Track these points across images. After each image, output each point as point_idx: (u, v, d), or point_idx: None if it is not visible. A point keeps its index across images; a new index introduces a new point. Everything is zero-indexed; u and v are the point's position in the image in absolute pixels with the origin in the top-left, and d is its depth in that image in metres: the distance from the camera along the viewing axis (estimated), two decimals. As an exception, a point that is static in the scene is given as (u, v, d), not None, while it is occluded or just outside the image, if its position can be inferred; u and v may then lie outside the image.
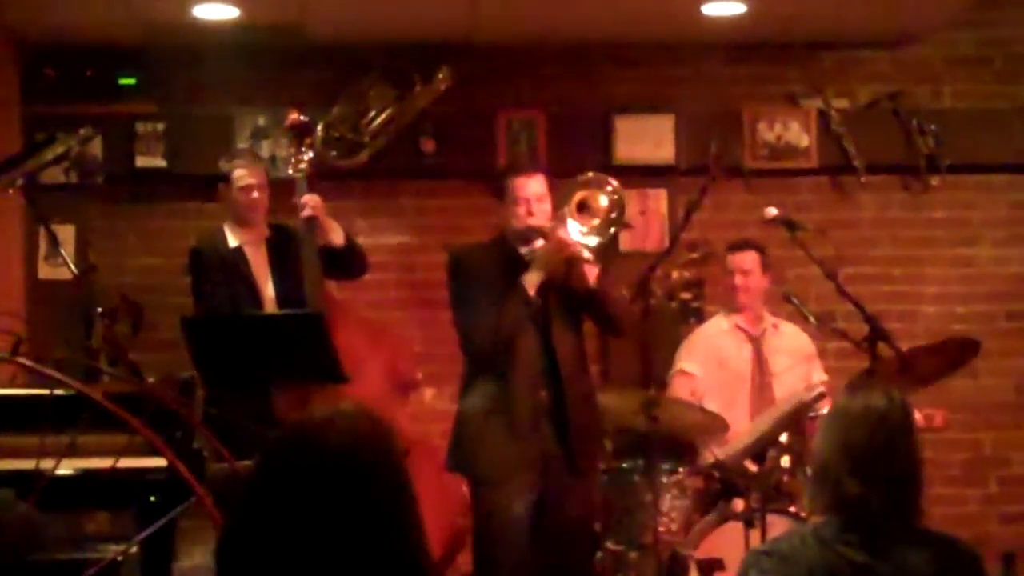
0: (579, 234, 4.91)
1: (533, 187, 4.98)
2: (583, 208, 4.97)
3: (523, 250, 5.01)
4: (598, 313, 5.07)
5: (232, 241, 5.64)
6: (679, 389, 5.99)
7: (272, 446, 2.20)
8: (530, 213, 4.95)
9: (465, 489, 5.30)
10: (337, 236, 5.56)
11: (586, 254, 4.87)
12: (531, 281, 4.90)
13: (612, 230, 5.01)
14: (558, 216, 4.94)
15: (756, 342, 6.08)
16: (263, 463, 2.18)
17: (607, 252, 4.95)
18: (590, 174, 5.12)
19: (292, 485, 2.12)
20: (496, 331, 4.89)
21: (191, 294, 5.68)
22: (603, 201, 4.99)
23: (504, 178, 5.09)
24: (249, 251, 5.64)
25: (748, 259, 6.08)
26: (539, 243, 4.96)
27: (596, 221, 4.96)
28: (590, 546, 5.31)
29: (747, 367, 6.05)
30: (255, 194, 5.61)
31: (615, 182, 5.05)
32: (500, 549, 4.93)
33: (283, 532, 2.10)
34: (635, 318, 5.48)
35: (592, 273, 4.92)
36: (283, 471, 2.14)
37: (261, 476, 2.17)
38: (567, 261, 4.92)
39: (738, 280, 6.08)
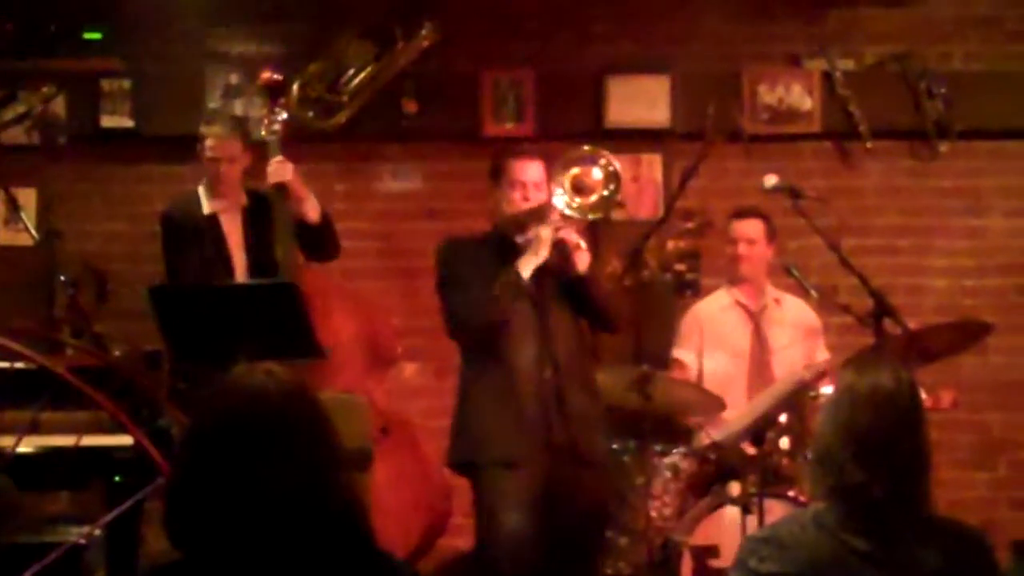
0: (571, 211, 4.80)
1: (532, 172, 4.95)
2: (577, 186, 4.89)
3: (518, 239, 4.93)
4: (587, 304, 4.98)
5: (207, 207, 5.62)
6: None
7: (195, 408, 2.52)
8: (526, 199, 4.92)
9: (447, 473, 5.27)
10: (313, 211, 5.55)
11: (580, 240, 4.81)
12: (525, 264, 4.81)
13: (607, 207, 4.92)
14: (550, 195, 4.84)
15: (756, 318, 6.07)
16: (189, 426, 2.49)
17: (599, 225, 4.86)
18: (584, 148, 5.05)
19: (207, 442, 2.40)
20: (483, 309, 4.82)
21: (162, 262, 5.67)
22: (597, 175, 4.89)
23: (502, 159, 5.04)
24: (224, 219, 5.62)
25: (753, 227, 6.06)
26: (533, 231, 4.89)
27: (593, 198, 4.86)
28: (599, 543, 5.20)
29: (746, 345, 6.03)
30: (222, 168, 5.59)
31: (608, 154, 4.95)
32: (504, 543, 4.78)
33: (209, 488, 2.36)
34: (627, 313, 5.42)
35: (583, 261, 4.86)
36: (200, 430, 2.44)
37: (186, 437, 2.48)
38: (559, 244, 4.84)
39: (742, 249, 6.06)
